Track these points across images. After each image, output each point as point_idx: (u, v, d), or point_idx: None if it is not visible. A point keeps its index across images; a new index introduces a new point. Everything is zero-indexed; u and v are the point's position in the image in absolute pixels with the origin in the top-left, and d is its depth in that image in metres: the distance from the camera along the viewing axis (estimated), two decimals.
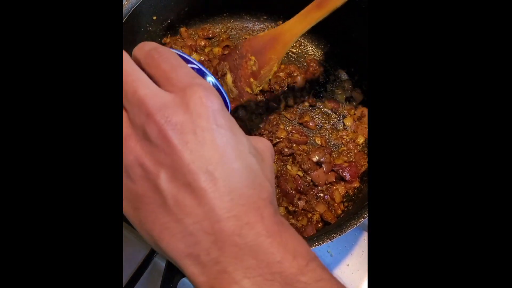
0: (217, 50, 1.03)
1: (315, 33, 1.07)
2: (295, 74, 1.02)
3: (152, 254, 0.85)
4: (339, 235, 0.72)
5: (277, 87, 0.99)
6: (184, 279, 0.85)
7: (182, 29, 1.06)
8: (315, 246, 0.71)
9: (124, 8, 0.86)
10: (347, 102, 1.02)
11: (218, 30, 1.08)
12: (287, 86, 0.99)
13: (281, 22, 1.08)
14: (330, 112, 1.02)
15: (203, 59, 1.02)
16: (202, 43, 1.05)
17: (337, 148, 0.98)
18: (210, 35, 1.07)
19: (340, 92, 1.03)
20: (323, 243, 0.71)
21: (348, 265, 0.99)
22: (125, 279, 0.83)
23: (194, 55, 1.02)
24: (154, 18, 0.96)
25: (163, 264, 0.71)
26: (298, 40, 1.08)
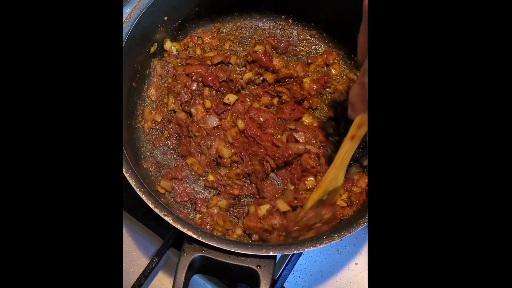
0: (227, 45, 1.05)
1: (326, 33, 1.08)
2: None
3: (164, 248, 0.86)
4: (350, 232, 0.72)
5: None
6: (196, 275, 0.85)
7: (193, 29, 1.07)
8: (326, 243, 0.71)
9: (136, 9, 0.87)
10: None
11: (228, 29, 1.09)
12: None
13: (291, 20, 1.09)
14: None
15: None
16: (213, 42, 1.06)
17: None
18: (221, 34, 1.08)
19: None
20: (333, 240, 0.71)
21: (356, 263, 0.99)
22: (137, 273, 0.84)
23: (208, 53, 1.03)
24: (165, 18, 0.97)
25: (175, 259, 0.72)
26: (306, 39, 1.09)
